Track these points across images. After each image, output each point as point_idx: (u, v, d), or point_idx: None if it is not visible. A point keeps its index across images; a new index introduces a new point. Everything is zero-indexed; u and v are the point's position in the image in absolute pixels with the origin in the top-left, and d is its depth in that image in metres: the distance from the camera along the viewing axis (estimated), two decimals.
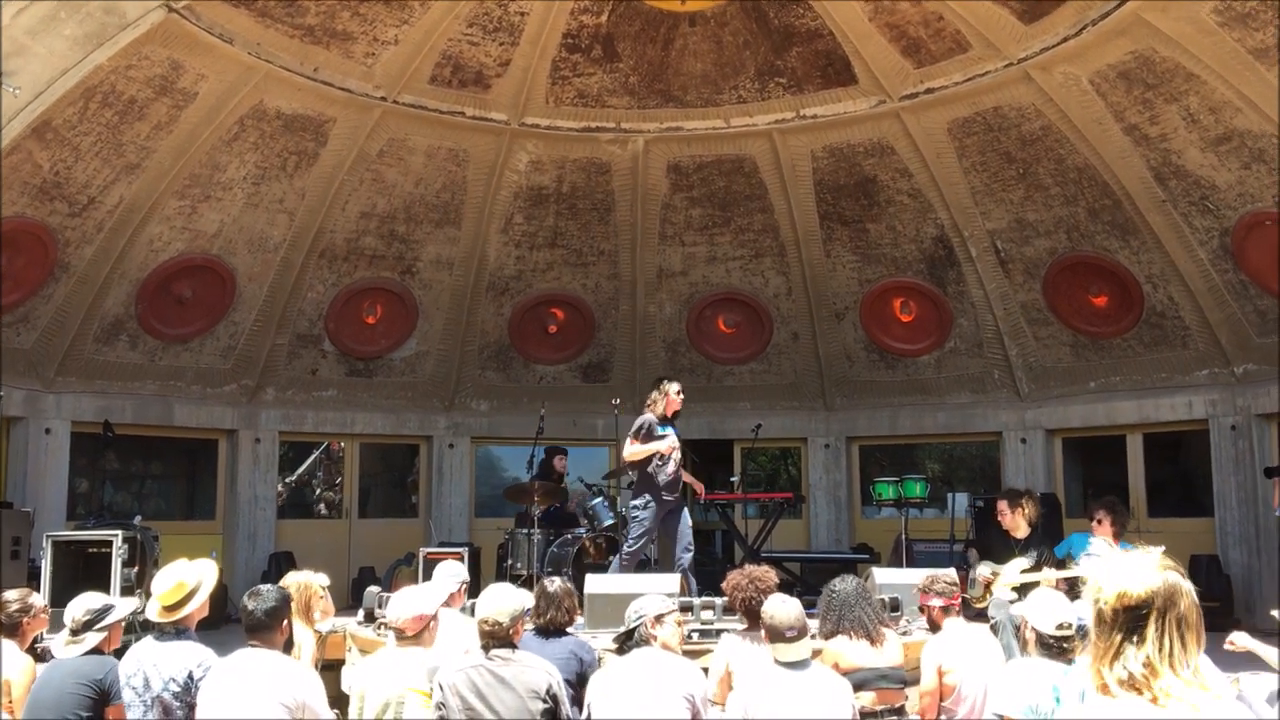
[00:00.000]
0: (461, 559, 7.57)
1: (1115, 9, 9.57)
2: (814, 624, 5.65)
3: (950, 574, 6.04)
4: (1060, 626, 4.60)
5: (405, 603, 4.82)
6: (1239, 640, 5.19)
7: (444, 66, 11.46)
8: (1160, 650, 2.11)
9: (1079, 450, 13.09)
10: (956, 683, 5.39)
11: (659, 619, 4.86)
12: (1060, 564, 7.79)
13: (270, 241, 12.22)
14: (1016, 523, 8.03)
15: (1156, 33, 9.59)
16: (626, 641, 4.90)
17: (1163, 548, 2.31)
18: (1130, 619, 2.14)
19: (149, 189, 11.05)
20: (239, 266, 12.16)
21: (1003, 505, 8.11)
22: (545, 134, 12.34)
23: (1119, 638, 2.14)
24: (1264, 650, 5.07)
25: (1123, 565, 2.22)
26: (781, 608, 4.67)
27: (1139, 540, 6.12)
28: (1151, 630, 2.12)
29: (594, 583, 7.49)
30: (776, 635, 4.61)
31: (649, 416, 8.43)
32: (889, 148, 12.06)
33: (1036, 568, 7.62)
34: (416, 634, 4.74)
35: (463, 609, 6.42)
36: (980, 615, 7.37)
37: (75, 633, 4.74)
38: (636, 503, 8.39)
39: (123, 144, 10.61)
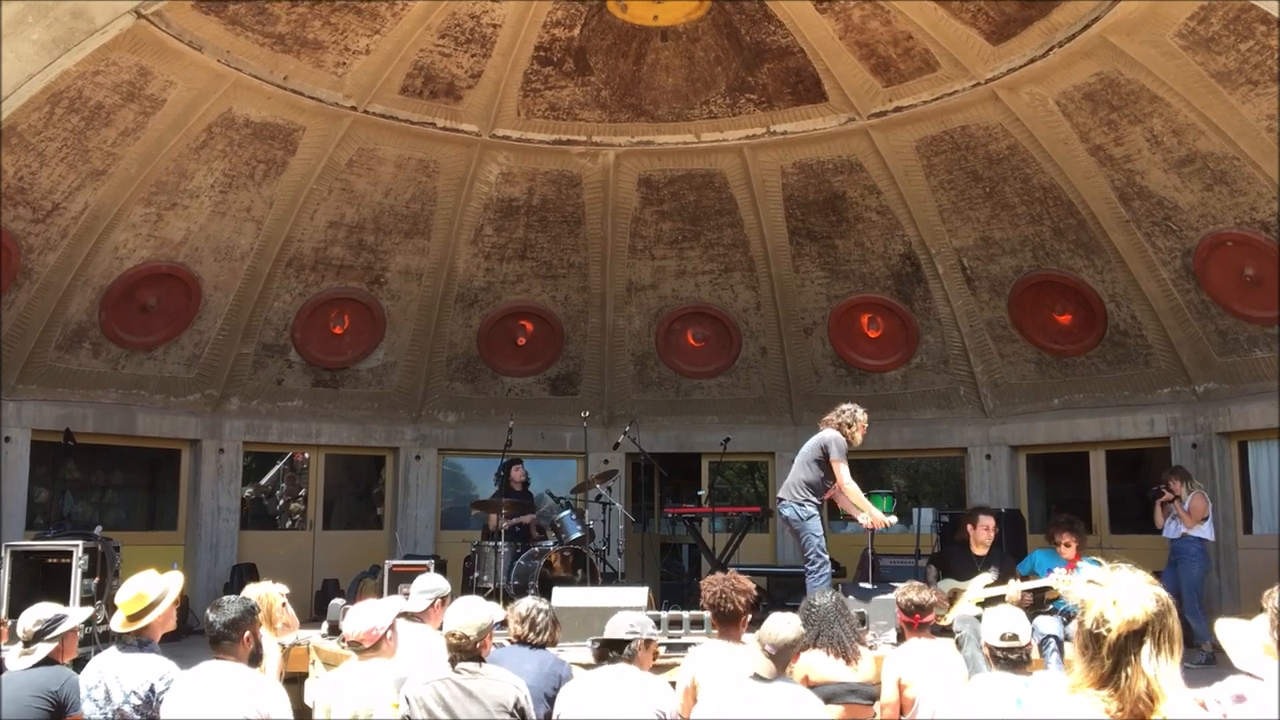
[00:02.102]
0: (428, 571, 7.51)
1: (1081, 31, 9.69)
2: None
3: (916, 583, 6.15)
4: (1004, 637, 4.63)
5: (358, 617, 4.85)
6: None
7: (415, 77, 11.43)
8: (1157, 670, 2.14)
9: (1043, 466, 13.20)
10: (916, 696, 5.43)
11: (647, 644, 4.89)
12: (1024, 578, 7.90)
13: (237, 250, 12.12)
14: (988, 538, 8.25)
15: (1122, 55, 9.72)
16: (611, 650, 4.88)
17: (1130, 565, 2.33)
18: (1132, 642, 2.17)
19: (114, 196, 10.94)
20: (205, 275, 12.06)
21: (991, 520, 8.34)
22: (516, 146, 12.33)
23: (1115, 661, 2.17)
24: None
25: (1121, 589, 2.24)
26: (775, 623, 4.61)
27: (1103, 555, 6.20)
28: (1147, 650, 2.15)
29: (561, 596, 7.49)
30: (762, 647, 4.58)
31: (844, 440, 8.27)
32: (858, 165, 12.15)
33: (1002, 581, 7.72)
34: (374, 646, 4.77)
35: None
36: (945, 631, 7.43)
37: (27, 644, 4.69)
38: (808, 512, 8.26)
39: (89, 150, 10.50)
